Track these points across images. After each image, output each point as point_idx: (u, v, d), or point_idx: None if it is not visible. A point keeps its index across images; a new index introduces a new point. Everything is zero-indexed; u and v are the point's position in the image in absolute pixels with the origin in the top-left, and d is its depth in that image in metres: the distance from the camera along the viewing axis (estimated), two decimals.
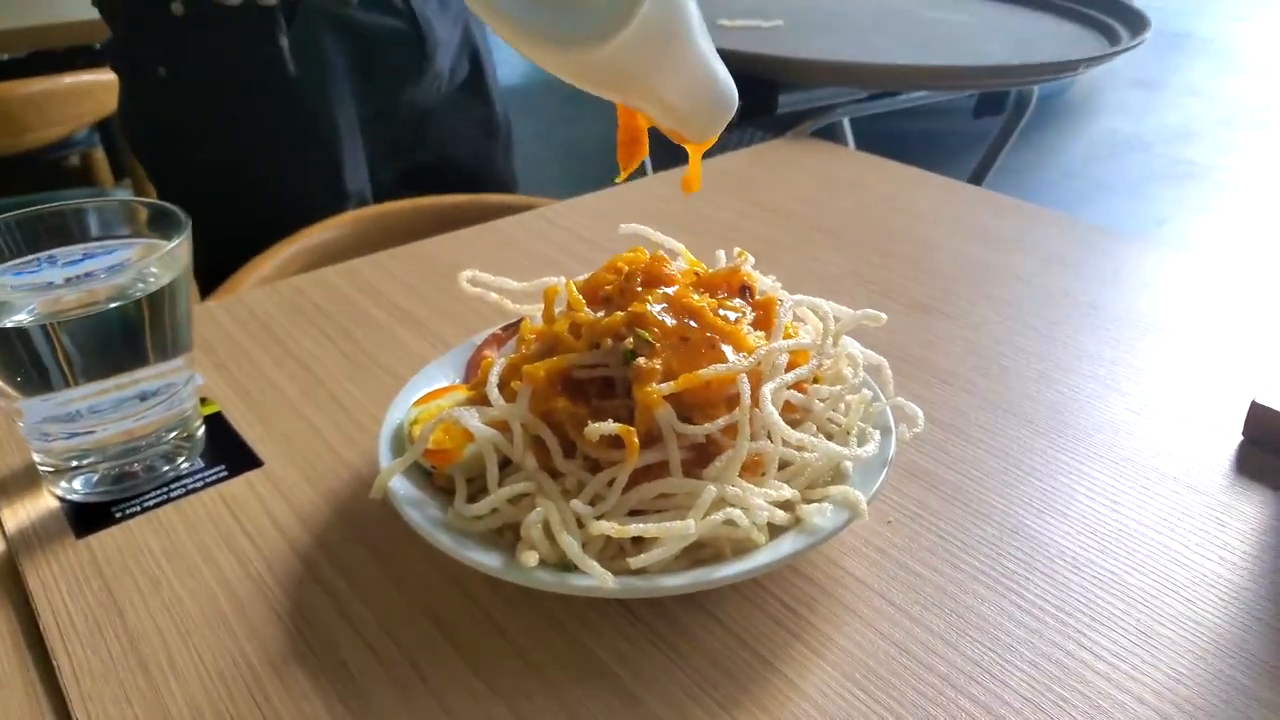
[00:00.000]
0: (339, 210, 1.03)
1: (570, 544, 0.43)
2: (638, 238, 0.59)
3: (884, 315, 0.53)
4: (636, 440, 0.45)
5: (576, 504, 0.44)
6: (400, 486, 0.48)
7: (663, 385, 0.46)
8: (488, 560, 0.44)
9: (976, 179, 1.67)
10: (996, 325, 0.74)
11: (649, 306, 0.49)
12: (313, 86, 1.06)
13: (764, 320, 0.52)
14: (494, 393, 0.48)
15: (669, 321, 0.48)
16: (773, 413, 0.46)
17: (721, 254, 0.60)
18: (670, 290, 0.51)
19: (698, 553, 0.45)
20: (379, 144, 1.16)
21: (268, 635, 0.47)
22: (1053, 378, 0.67)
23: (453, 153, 1.23)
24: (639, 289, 0.51)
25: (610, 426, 0.45)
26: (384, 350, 0.71)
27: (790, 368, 0.49)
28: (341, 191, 1.10)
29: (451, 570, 0.49)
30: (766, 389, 0.46)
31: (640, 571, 0.44)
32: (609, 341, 0.48)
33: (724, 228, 0.92)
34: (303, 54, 1.04)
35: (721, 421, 0.46)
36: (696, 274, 0.55)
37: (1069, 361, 0.69)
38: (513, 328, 0.62)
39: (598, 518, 0.44)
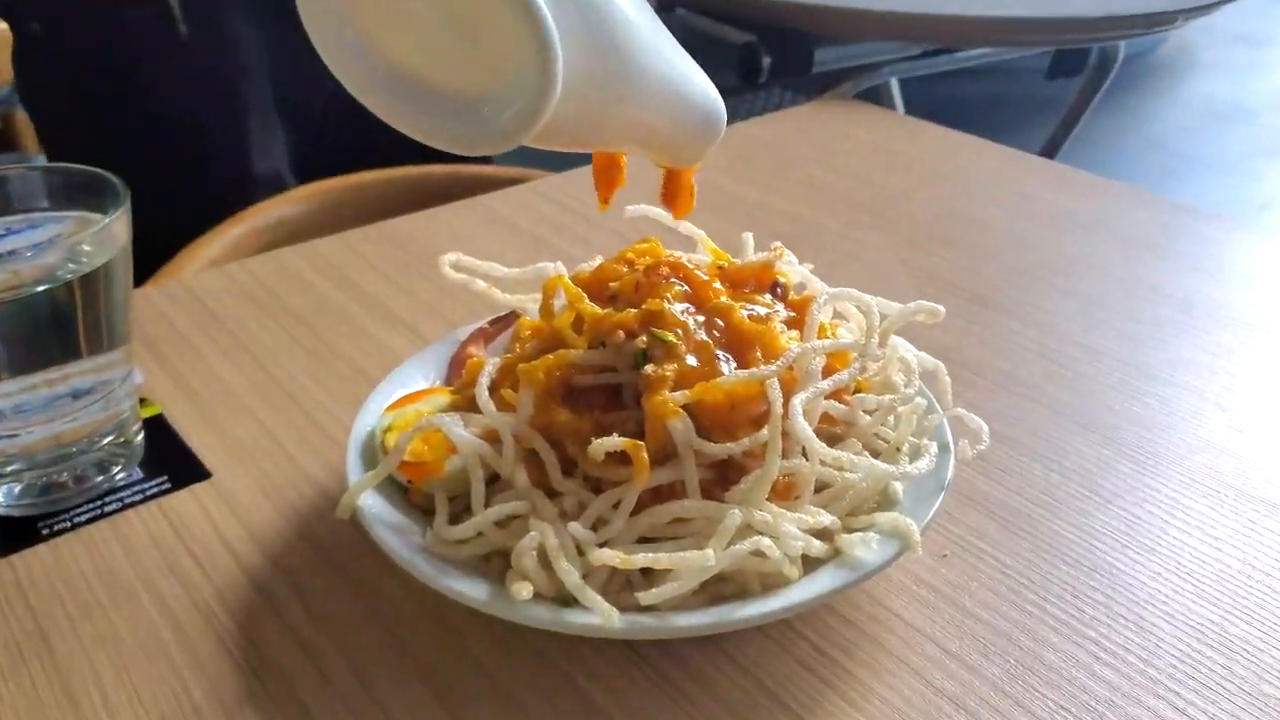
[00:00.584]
0: (243, 196, 1.04)
1: (569, 574, 0.43)
2: (647, 222, 0.59)
3: (941, 308, 0.53)
4: (646, 456, 0.45)
5: (576, 528, 0.45)
6: (371, 504, 0.49)
7: (676, 394, 0.46)
8: (472, 591, 0.44)
9: (1049, 151, 1.67)
10: (1071, 324, 0.74)
11: (668, 305, 0.49)
12: (212, 53, 1.07)
13: (799, 321, 0.52)
14: (484, 397, 0.48)
15: (692, 323, 0.49)
16: (804, 426, 0.46)
17: (749, 238, 0.60)
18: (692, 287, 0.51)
19: (718, 587, 0.45)
20: (307, 124, 1.17)
21: (216, 673, 0.47)
22: (1138, 388, 0.67)
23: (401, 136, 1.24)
24: (662, 280, 0.51)
25: (616, 442, 0.45)
26: (352, 345, 0.71)
27: (828, 373, 0.49)
28: (246, 174, 1.11)
29: (430, 602, 0.50)
30: (797, 399, 0.46)
31: (650, 608, 0.44)
32: (620, 335, 0.48)
33: (750, 207, 0.92)
34: (199, 17, 1.05)
35: (746, 441, 0.46)
36: (721, 268, 0.55)
37: (1158, 369, 0.69)
38: (502, 322, 0.63)
39: (601, 545, 0.45)
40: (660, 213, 0.58)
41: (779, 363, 0.47)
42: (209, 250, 0.91)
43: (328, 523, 0.55)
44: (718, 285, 0.52)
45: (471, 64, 0.40)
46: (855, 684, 0.46)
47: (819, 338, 0.51)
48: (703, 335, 0.49)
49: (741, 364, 0.48)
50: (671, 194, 0.55)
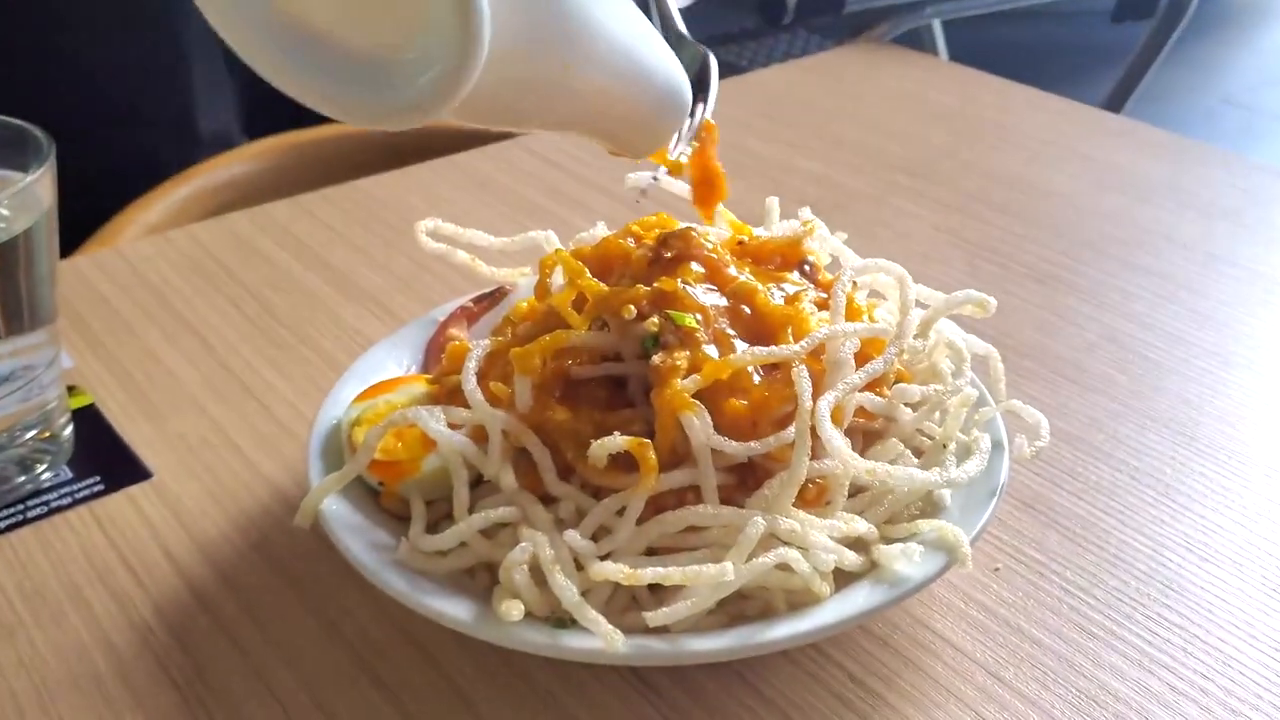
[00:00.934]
0: (187, 155, 1.03)
1: (566, 591, 0.43)
2: (655, 190, 0.59)
3: (992, 300, 0.52)
4: (654, 456, 0.45)
5: (574, 537, 0.44)
6: (336, 510, 0.48)
7: (687, 381, 0.46)
8: (453, 611, 0.44)
9: (1114, 104, 1.67)
10: (1141, 304, 0.73)
11: (684, 286, 0.49)
12: None
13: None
14: (471, 385, 0.48)
15: (712, 306, 0.48)
16: (832, 432, 0.45)
17: (774, 204, 0.59)
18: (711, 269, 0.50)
19: (739, 606, 0.45)
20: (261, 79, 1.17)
21: (155, 704, 0.46)
22: (1220, 378, 0.66)
23: None
24: (677, 256, 0.50)
25: (620, 442, 0.45)
26: (315, 326, 0.71)
27: (862, 361, 0.49)
28: (190, 130, 1.11)
29: (404, 623, 0.49)
30: (824, 401, 0.46)
31: (660, 630, 0.43)
32: (631, 311, 0.48)
33: (772, 167, 0.92)
34: None
35: (771, 440, 0.46)
36: (741, 242, 0.54)
37: (1242, 356, 0.68)
38: (488, 300, 0.62)
39: (603, 557, 0.44)
40: (669, 177, 0.58)
41: (803, 343, 0.47)
42: (148, 215, 0.91)
43: (286, 531, 0.54)
44: (733, 269, 0.51)
45: (383, 20, 0.38)
46: (895, 718, 0.46)
47: (850, 320, 0.50)
48: (725, 324, 0.48)
49: (778, 379, 0.48)
50: (704, 191, 0.55)
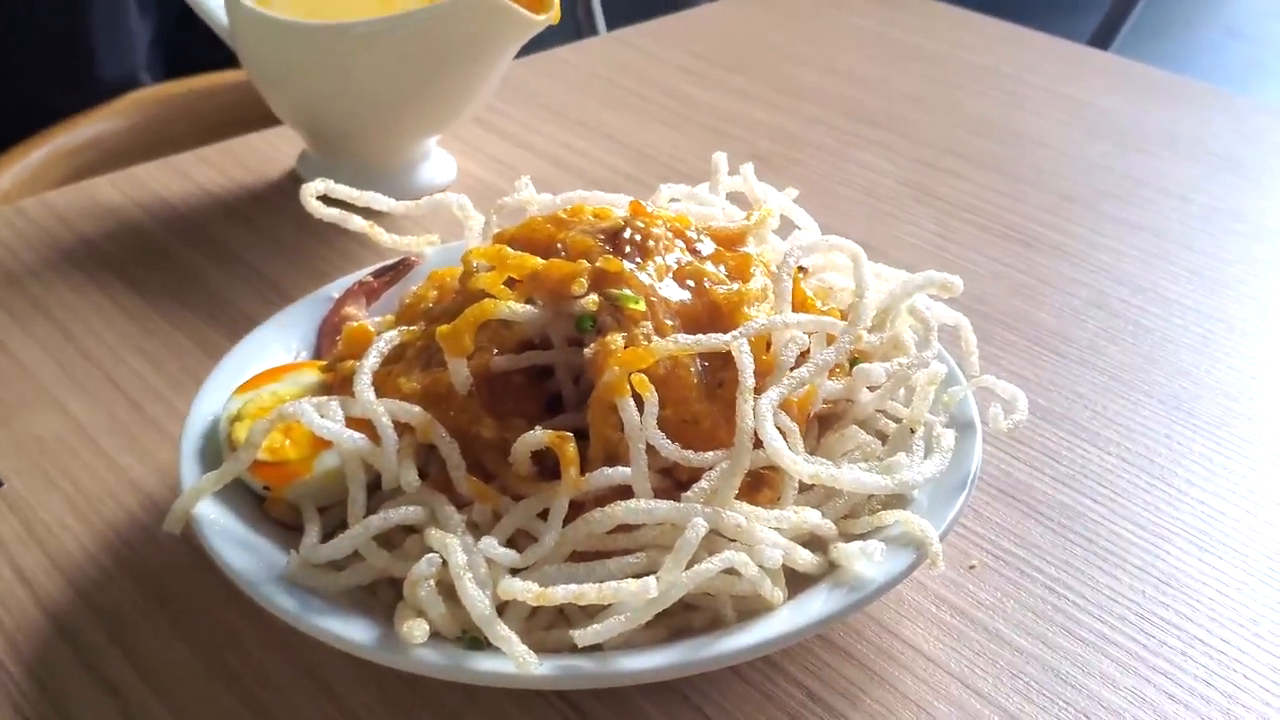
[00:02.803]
0: (83, 107, 1.01)
1: (478, 604, 0.43)
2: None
3: (957, 280, 0.53)
4: (574, 449, 0.45)
5: (489, 545, 0.44)
6: (214, 517, 0.48)
7: (617, 368, 0.46)
8: (348, 632, 0.44)
9: (1101, 39, 1.68)
10: (1134, 264, 0.74)
11: (629, 267, 0.49)
12: None
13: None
14: (364, 380, 0.48)
15: (666, 293, 0.49)
16: (773, 437, 0.46)
17: (721, 160, 0.59)
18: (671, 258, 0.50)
19: (684, 616, 0.45)
20: (176, 17, 1.15)
21: None
22: (1221, 346, 0.67)
23: None
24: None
25: (540, 437, 0.45)
26: (190, 306, 0.70)
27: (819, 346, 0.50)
28: (89, 77, 1.09)
29: (296, 649, 0.49)
30: (766, 401, 0.46)
31: (593, 647, 0.43)
32: (582, 284, 0.48)
33: (717, 117, 0.92)
34: None
35: (711, 456, 0.46)
36: (689, 237, 0.54)
37: (1247, 321, 0.69)
38: (391, 273, 0.62)
39: (518, 572, 0.44)
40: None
41: (740, 330, 0.47)
42: None
43: (158, 546, 0.54)
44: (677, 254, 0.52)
45: None
46: None
47: (800, 310, 0.51)
48: (669, 318, 0.49)
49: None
50: None
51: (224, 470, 0.48)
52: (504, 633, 0.42)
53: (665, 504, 0.45)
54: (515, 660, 0.42)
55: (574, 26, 1.78)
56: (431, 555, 0.44)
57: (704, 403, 0.47)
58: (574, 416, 0.48)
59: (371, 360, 0.49)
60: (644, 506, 0.45)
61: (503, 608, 0.44)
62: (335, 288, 0.61)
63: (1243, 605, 0.52)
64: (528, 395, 0.49)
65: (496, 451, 0.48)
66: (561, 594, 0.42)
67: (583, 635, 0.42)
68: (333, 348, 0.56)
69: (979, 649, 0.49)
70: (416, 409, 0.47)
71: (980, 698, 0.47)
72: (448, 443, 0.47)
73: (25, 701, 0.47)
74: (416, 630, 0.42)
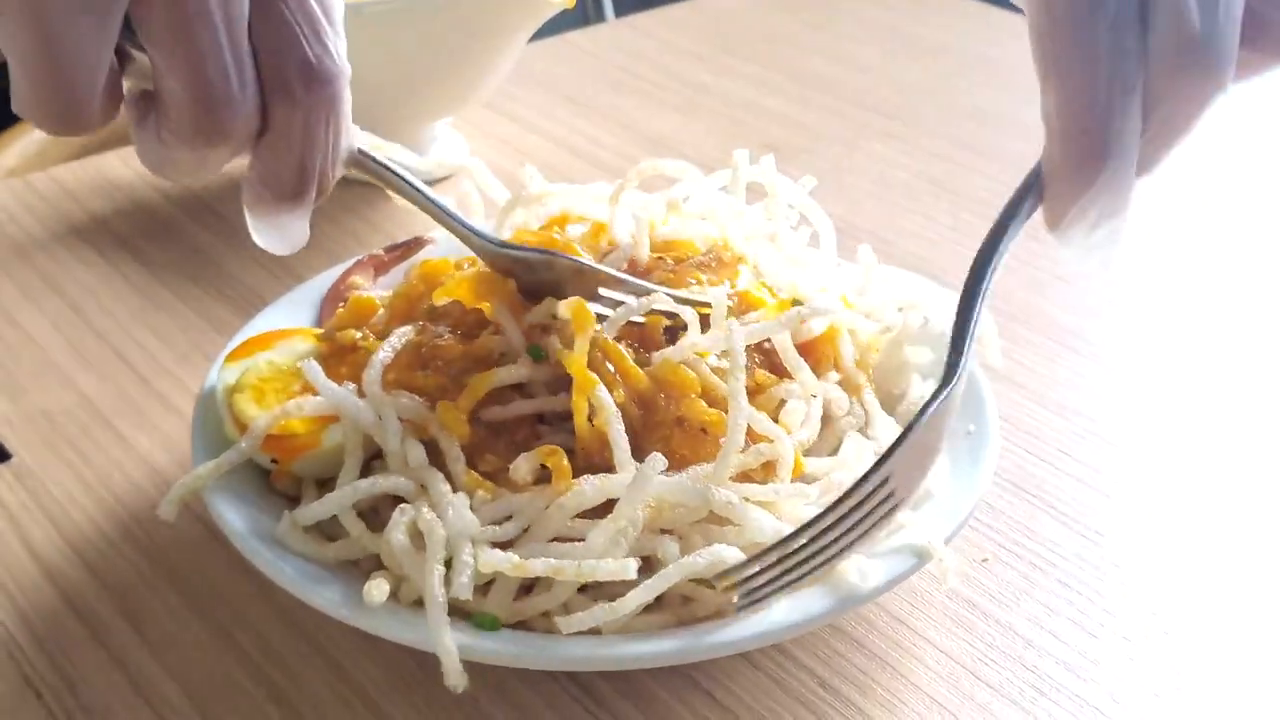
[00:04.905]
0: None
1: (432, 567, 0.43)
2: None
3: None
4: (567, 464, 0.46)
5: (460, 505, 0.45)
6: (219, 487, 0.48)
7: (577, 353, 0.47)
8: (323, 597, 0.44)
9: None
10: (1151, 260, 0.74)
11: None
12: None
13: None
14: (372, 375, 0.48)
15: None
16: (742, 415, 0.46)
17: (744, 157, 0.59)
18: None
19: (689, 607, 0.45)
20: None
21: None
22: (1241, 343, 0.67)
23: None
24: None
25: (534, 455, 0.46)
26: (197, 282, 0.70)
27: (814, 356, 0.52)
28: None
29: (304, 625, 0.49)
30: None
31: (593, 632, 0.43)
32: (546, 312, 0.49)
33: (731, 106, 0.92)
34: None
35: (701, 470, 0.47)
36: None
37: (1272, 319, 0.69)
38: (401, 249, 0.62)
39: (503, 545, 0.44)
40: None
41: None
42: (4, 157, 0.90)
43: (167, 521, 0.53)
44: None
45: None
46: None
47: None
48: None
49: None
50: None
51: (222, 460, 0.48)
52: (437, 607, 0.42)
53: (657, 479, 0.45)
54: (440, 648, 0.42)
55: (582, 12, 1.78)
56: (404, 506, 0.45)
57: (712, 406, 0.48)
58: (564, 437, 0.49)
59: (384, 354, 0.49)
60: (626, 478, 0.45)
61: (489, 583, 0.44)
62: (346, 267, 0.61)
63: (1254, 600, 0.52)
64: (519, 423, 0.50)
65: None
66: (540, 566, 0.43)
67: (566, 622, 0.43)
68: (332, 314, 0.56)
69: (990, 640, 0.50)
70: (421, 405, 0.48)
71: (990, 689, 0.48)
72: (448, 438, 0.48)
73: (35, 674, 0.48)
74: (374, 591, 0.43)
